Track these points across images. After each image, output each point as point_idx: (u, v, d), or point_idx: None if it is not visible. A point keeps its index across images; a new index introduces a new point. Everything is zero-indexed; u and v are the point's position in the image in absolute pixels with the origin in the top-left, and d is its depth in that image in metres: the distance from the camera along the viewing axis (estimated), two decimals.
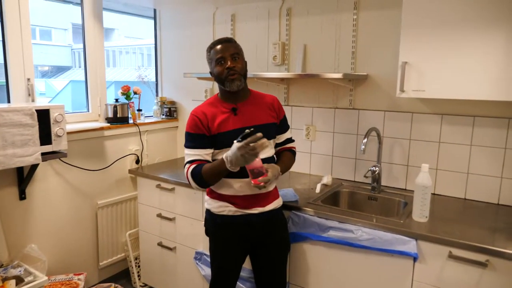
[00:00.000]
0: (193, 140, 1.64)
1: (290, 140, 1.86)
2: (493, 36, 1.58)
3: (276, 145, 1.81)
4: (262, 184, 1.48)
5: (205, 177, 1.57)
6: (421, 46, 1.74)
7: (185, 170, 1.64)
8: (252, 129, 1.44)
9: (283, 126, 1.82)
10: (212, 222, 1.73)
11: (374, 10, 2.13)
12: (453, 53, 1.67)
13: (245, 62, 1.67)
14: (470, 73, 1.64)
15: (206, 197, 1.77)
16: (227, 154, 1.48)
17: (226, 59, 1.59)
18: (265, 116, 1.70)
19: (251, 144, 1.40)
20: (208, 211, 1.75)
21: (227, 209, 1.66)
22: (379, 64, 2.16)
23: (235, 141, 1.45)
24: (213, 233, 1.75)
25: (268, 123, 1.70)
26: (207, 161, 1.63)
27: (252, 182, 1.50)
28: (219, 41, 1.63)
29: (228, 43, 1.63)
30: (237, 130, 1.60)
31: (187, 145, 1.66)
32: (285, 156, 1.81)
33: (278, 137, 1.80)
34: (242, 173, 1.57)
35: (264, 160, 1.64)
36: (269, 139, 1.69)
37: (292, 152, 1.86)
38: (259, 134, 1.41)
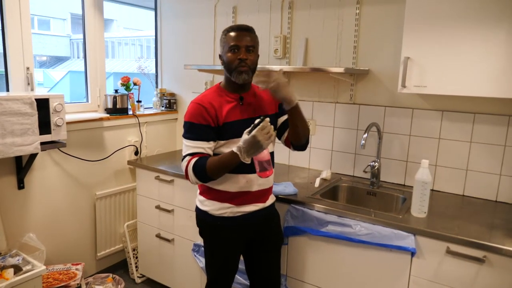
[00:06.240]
0: (196, 131, 1.53)
1: None
2: (494, 33, 1.58)
3: (279, 130, 1.75)
4: (267, 175, 1.48)
5: (209, 172, 1.48)
6: (424, 42, 1.73)
7: (185, 163, 1.54)
8: (262, 117, 1.40)
9: (282, 108, 1.75)
10: (210, 224, 1.66)
11: (377, 4, 2.12)
12: (455, 49, 1.67)
13: (258, 56, 1.61)
14: (471, 70, 1.64)
15: (201, 198, 1.68)
16: (239, 146, 1.41)
17: (240, 49, 1.52)
18: (269, 108, 1.68)
19: (265, 129, 1.37)
20: (204, 213, 1.66)
21: (228, 210, 1.61)
22: (380, 59, 2.15)
23: (246, 131, 1.41)
24: (212, 235, 1.69)
25: (272, 114, 1.68)
26: (209, 155, 1.54)
27: (259, 175, 1.49)
28: (239, 28, 1.55)
29: (247, 32, 1.55)
30: (246, 120, 1.56)
31: (188, 136, 1.55)
32: None
33: (279, 119, 1.75)
34: (248, 168, 1.54)
35: None
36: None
37: None
38: (268, 119, 1.39)
